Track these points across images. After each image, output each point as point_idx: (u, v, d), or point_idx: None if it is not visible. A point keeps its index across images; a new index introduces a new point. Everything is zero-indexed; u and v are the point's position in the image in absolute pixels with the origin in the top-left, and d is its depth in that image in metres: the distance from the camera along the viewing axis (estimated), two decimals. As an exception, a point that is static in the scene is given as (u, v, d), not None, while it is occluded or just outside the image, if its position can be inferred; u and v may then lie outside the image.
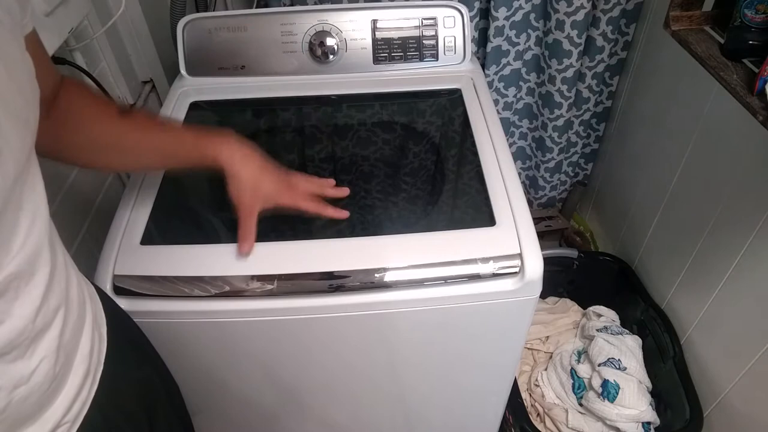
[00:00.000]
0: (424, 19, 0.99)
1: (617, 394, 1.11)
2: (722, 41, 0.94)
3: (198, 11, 1.18)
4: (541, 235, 1.59)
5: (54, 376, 0.45)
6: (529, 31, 1.26)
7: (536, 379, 1.26)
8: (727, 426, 1.04)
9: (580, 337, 1.31)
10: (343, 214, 0.74)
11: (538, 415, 1.24)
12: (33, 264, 0.42)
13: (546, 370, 1.28)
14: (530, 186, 1.58)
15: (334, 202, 0.77)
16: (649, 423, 1.13)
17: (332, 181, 0.79)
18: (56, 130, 0.59)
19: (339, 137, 0.99)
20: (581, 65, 1.28)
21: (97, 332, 0.54)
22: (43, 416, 0.45)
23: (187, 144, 0.67)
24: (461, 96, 0.99)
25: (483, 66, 1.29)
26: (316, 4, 1.18)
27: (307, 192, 0.74)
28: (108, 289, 0.70)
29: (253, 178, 0.68)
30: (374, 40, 0.98)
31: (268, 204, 0.70)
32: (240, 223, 0.69)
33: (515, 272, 0.72)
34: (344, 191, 0.78)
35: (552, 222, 1.62)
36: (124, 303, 0.70)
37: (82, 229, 1.02)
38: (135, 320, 0.68)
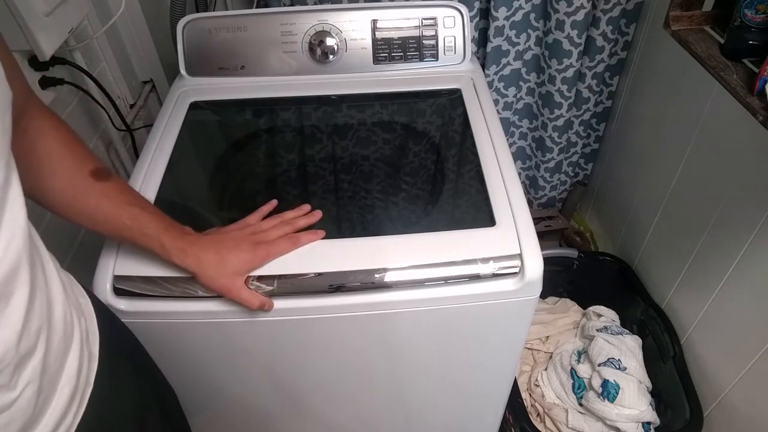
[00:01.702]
0: (424, 19, 0.99)
1: (617, 394, 1.11)
2: (722, 41, 0.94)
3: (198, 11, 1.18)
4: (541, 235, 1.59)
5: (37, 401, 0.43)
6: (529, 31, 1.26)
7: (536, 379, 1.26)
8: (727, 426, 1.04)
9: (580, 337, 1.31)
10: (318, 235, 0.73)
11: (538, 415, 1.24)
12: (10, 285, 0.40)
13: (546, 370, 1.28)
14: (530, 186, 1.58)
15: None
16: (649, 423, 1.13)
17: (306, 208, 0.77)
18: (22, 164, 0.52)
19: (339, 137, 0.99)
20: (581, 65, 1.28)
21: (86, 351, 0.52)
22: None
23: (147, 236, 0.64)
24: (461, 96, 0.99)
25: (483, 66, 1.29)
26: (316, 4, 1.18)
27: (279, 236, 0.72)
28: (108, 290, 0.69)
29: (216, 267, 0.66)
30: (374, 40, 0.98)
31: (245, 274, 0.68)
32: (238, 301, 0.68)
33: (515, 272, 0.72)
34: (316, 216, 0.76)
35: (552, 222, 1.62)
36: (123, 304, 0.70)
37: (82, 231, 1.02)
38: (135, 321, 0.68)
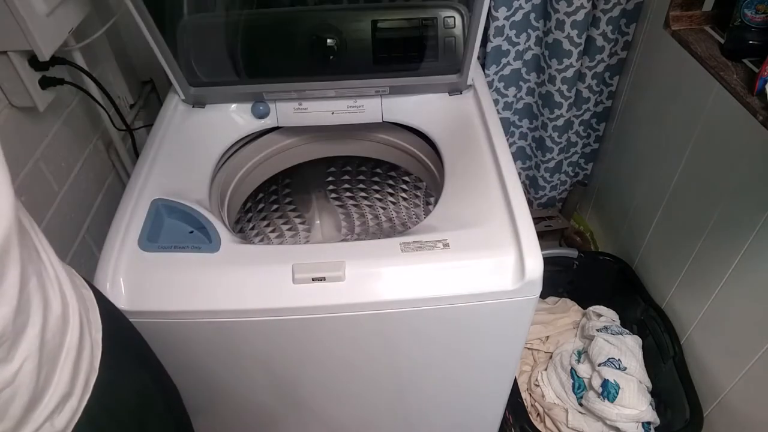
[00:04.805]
0: (424, 19, 0.99)
1: (617, 394, 1.11)
2: (722, 41, 0.94)
3: (198, 11, 1.18)
4: (541, 235, 1.59)
5: (38, 377, 0.44)
6: (529, 31, 1.26)
7: (536, 379, 1.26)
8: (727, 426, 1.04)
9: (580, 337, 1.31)
10: None
11: (538, 415, 1.24)
12: (3, 261, 0.41)
13: (546, 370, 1.28)
14: (530, 186, 1.58)
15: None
16: (649, 423, 1.13)
17: None
18: None
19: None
20: (581, 65, 1.28)
21: (89, 336, 0.52)
22: (29, 420, 0.44)
23: None
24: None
25: (483, 66, 1.29)
26: (316, 4, 1.17)
27: None
28: (108, 289, 0.70)
29: None
30: (374, 40, 0.98)
31: None
32: None
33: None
34: None
35: (552, 222, 1.62)
36: (124, 303, 0.70)
37: (82, 229, 1.02)
38: (136, 320, 0.67)
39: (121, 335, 0.61)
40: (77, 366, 0.49)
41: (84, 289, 0.56)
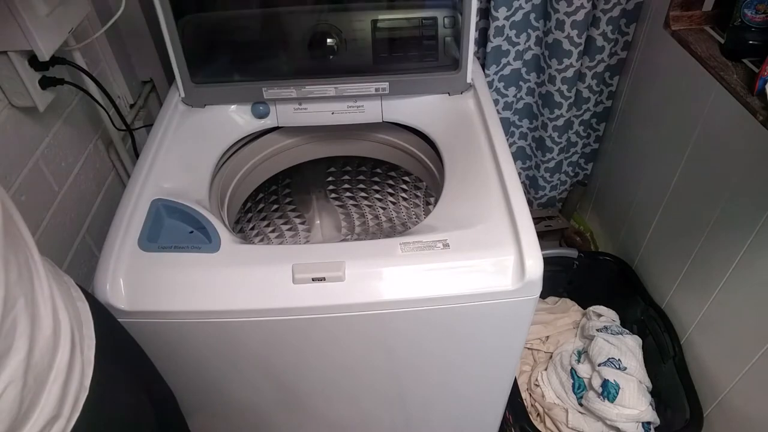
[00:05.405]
0: (424, 19, 0.99)
1: (617, 394, 1.11)
2: (722, 41, 0.94)
3: (202, 9, 1.18)
4: (541, 235, 1.59)
5: (22, 400, 0.42)
6: (529, 31, 1.26)
7: (536, 379, 1.26)
8: (727, 426, 1.04)
9: (580, 337, 1.31)
10: None
11: (538, 415, 1.24)
12: None
13: (546, 370, 1.28)
14: (530, 186, 1.58)
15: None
16: (649, 423, 1.13)
17: None
18: None
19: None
20: (581, 65, 1.28)
21: (80, 354, 0.51)
22: None
23: None
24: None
25: (483, 66, 1.29)
26: (316, 4, 1.17)
27: None
28: (107, 290, 0.70)
29: None
30: (374, 40, 0.98)
31: None
32: None
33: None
34: None
35: (552, 222, 1.62)
36: (123, 304, 0.70)
37: (82, 229, 1.02)
38: (135, 321, 0.67)
39: (116, 349, 0.60)
40: (66, 386, 0.48)
41: (80, 302, 0.55)
